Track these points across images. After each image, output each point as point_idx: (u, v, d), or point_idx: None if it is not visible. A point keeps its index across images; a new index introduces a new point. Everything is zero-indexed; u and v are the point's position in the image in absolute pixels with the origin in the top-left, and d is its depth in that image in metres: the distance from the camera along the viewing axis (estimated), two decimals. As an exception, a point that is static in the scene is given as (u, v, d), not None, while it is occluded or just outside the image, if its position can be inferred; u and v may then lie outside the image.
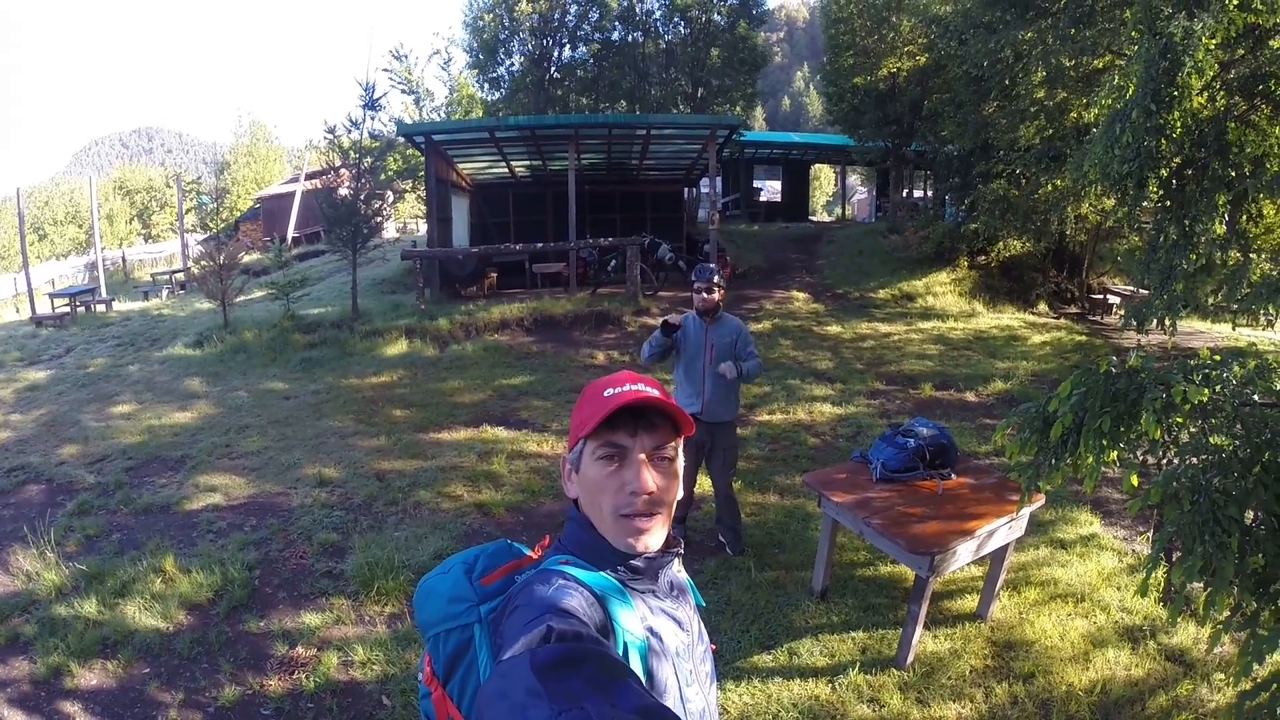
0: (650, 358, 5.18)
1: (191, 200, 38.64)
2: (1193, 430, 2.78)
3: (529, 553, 1.36)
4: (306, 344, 12.67)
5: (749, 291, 16.58)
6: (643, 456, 1.25)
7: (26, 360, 12.86)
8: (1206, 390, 2.65)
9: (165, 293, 22.30)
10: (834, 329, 13.93)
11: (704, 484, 6.27)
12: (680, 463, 1.32)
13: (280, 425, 8.76)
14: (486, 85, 28.23)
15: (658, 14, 26.63)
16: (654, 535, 1.26)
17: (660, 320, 5.11)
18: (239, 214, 40.25)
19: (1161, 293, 7.92)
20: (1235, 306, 7.75)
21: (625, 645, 1.14)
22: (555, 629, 0.95)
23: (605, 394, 1.27)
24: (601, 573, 1.24)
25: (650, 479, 1.24)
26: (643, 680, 1.13)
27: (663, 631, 1.25)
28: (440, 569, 1.35)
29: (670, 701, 1.19)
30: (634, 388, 1.25)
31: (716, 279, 5.22)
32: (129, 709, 4.05)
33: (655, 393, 1.26)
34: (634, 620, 1.20)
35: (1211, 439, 2.66)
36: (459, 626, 1.24)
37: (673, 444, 1.29)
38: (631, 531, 1.24)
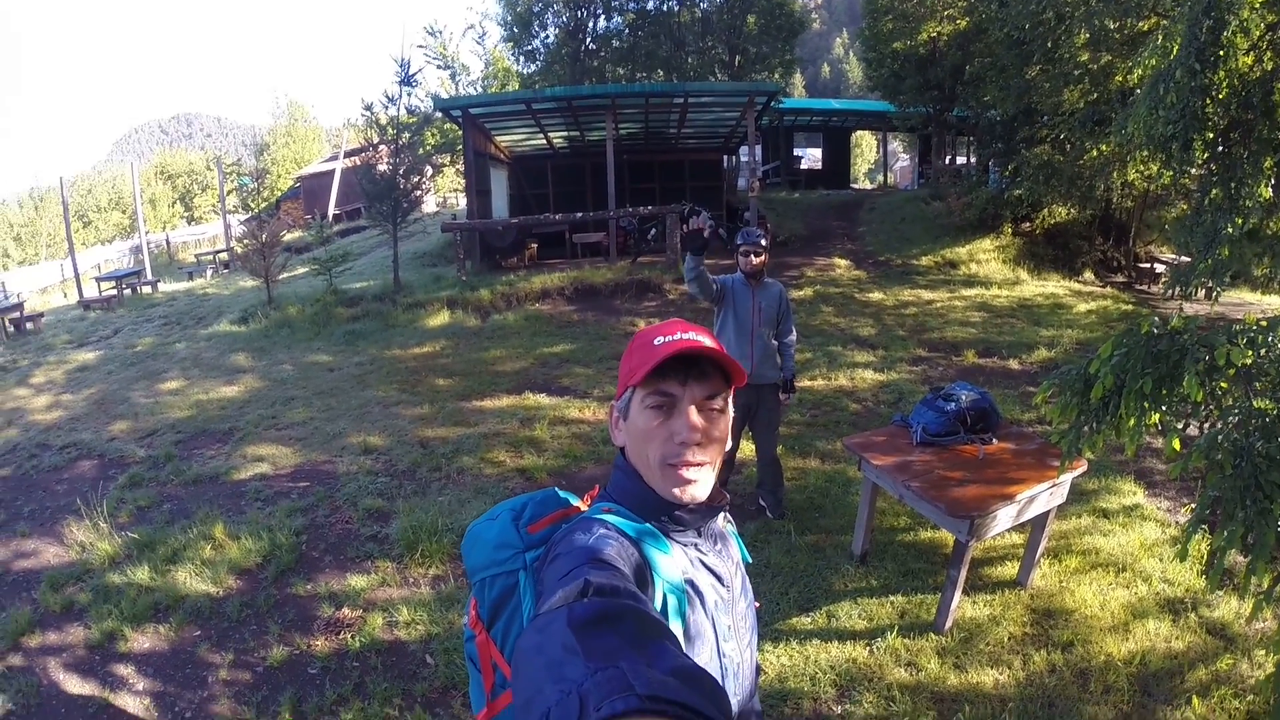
0: (691, 282, 5.04)
1: (232, 182, 39.04)
2: (1236, 394, 2.70)
3: (577, 502, 1.37)
4: (349, 317, 12.82)
5: (790, 259, 16.42)
6: (692, 406, 1.22)
7: (76, 342, 13.14)
8: (1250, 353, 2.56)
9: (209, 272, 22.64)
10: (876, 296, 13.77)
11: (745, 449, 6.25)
12: (730, 414, 1.29)
13: (325, 396, 8.87)
14: (522, 58, 28.16)
15: (693, -19, 26.34)
16: (700, 486, 1.24)
17: (687, 231, 4.59)
18: (280, 193, 40.61)
19: (1206, 256, 7.71)
20: (1283, 275, 7.51)
21: (664, 595, 1.14)
22: (593, 582, 0.94)
23: (655, 342, 1.24)
24: (645, 522, 1.23)
25: (699, 427, 1.21)
26: (680, 630, 1.14)
27: (701, 585, 1.24)
28: (488, 515, 1.36)
29: (706, 654, 1.19)
30: (685, 336, 1.22)
31: (762, 241, 5.19)
32: (180, 670, 4.14)
33: (707, 341, 1.23)
34: (673, 569, 1.19)
35: (1255, 403, 2.58)
36: (504, 572, 1.26)
37: (723, 394, 1.26)
38: (678, 481, 1.22)
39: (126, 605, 4.68)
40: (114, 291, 17.63)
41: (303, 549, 5.33)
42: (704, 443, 1.22)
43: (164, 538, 5.50)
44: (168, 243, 33.03)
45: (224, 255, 24.13)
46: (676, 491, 1.22)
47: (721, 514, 1.35)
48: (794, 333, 5.48)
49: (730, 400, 1.29)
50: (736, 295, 5.20)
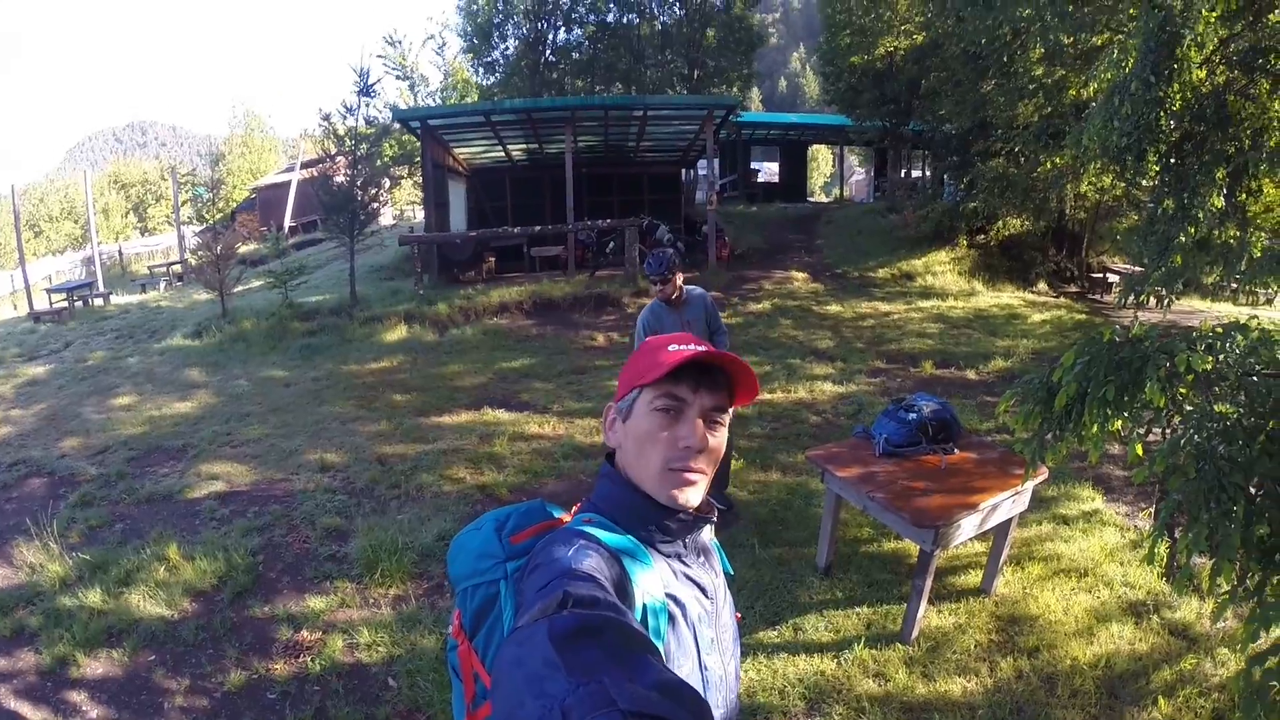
0: None
1: (187, 192, 38.39)
2: (1196, 400, 2.77)
3: (562, 514, 1.37)
4: (305, 331, 12.66)
5: (748, 272, 16.52)
6: (699, 415, 1.24)
7: (26, 356, 12.80)
8: (1210, 359, 2.64)
9: (163, 285, 22.24)
10: (834, 308, 13.90)
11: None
12: (726, 431, 1.31)
13: (281, 412, 8.75)
14: (481, 69, 28.19)
15: (653, -5, 26.50)
16: (696, 491, 1.25)
17: None
18: (235, 205, 40.01)
19: (1158, 265, 7.89)
20: (1234, 284, 7.73)
21: (644, 608, 1.14)
22: (572, 594, 0.93)
23: (670, 348, 1.26)
24: (627, 535, 1.23)
25: (704, 435, 1.24)
26: (660, 645, 1.14)
27: (684, 598, 1.24)
28: (473, 525, 1.37)
29: (688, 667, 1.19)
30: (699, 348, 1.25)
31: (668, 268, 5.04)
32: (135, 696, 4.04)
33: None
34: (654, 582, 1.19)
35: (1216, 407, 2.64)
36: (486, 582, 1.27)
37: (727, 410, 1.28)
38: (678, 483, 1.23)
39: (78, 629, 4.56)
40: (65, 304, 17.20)
41: (259, 570, 5.24)
42: (706, 452, 1.25)
43: (116, 558, 5.37)
44: (120, 254, 32.45)
45: (178, 267, 23.75)
46: (675, 493, 1.23)
47: (708, 527, 1.36)
48: (724, 330, 5.50)
49: (730, 417, 1.32)
50: (662, 324, 5.17)
